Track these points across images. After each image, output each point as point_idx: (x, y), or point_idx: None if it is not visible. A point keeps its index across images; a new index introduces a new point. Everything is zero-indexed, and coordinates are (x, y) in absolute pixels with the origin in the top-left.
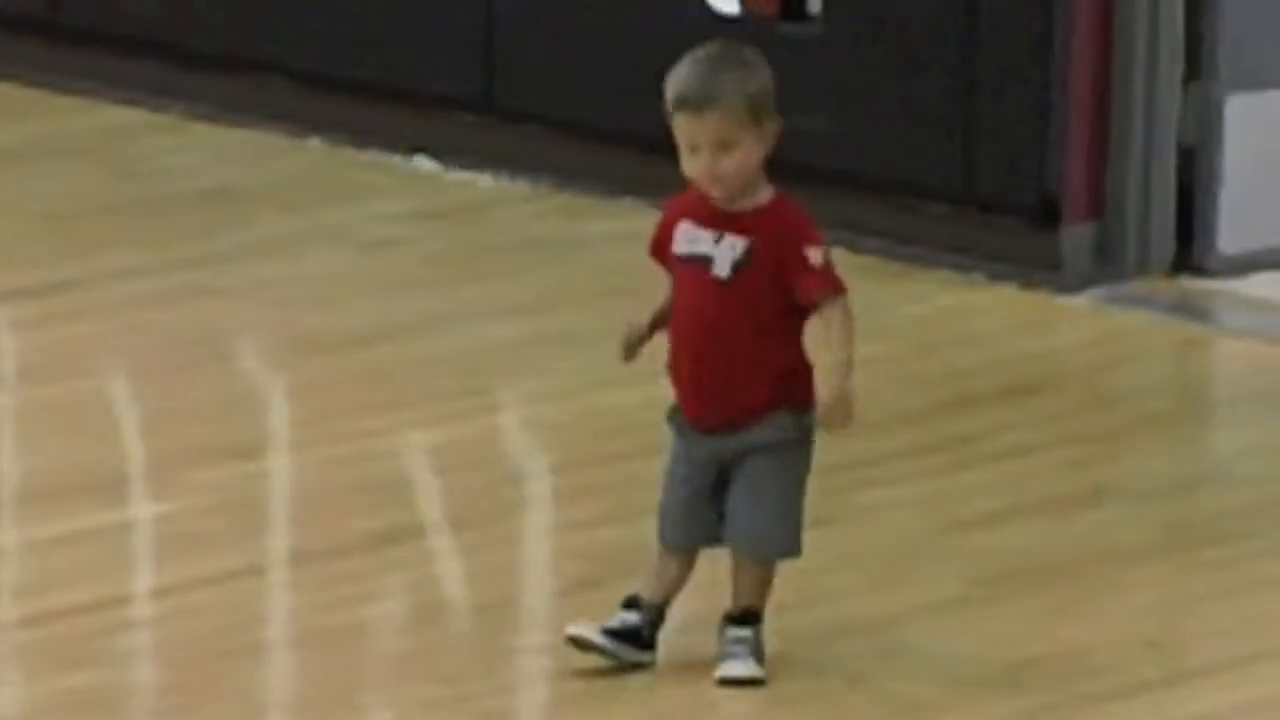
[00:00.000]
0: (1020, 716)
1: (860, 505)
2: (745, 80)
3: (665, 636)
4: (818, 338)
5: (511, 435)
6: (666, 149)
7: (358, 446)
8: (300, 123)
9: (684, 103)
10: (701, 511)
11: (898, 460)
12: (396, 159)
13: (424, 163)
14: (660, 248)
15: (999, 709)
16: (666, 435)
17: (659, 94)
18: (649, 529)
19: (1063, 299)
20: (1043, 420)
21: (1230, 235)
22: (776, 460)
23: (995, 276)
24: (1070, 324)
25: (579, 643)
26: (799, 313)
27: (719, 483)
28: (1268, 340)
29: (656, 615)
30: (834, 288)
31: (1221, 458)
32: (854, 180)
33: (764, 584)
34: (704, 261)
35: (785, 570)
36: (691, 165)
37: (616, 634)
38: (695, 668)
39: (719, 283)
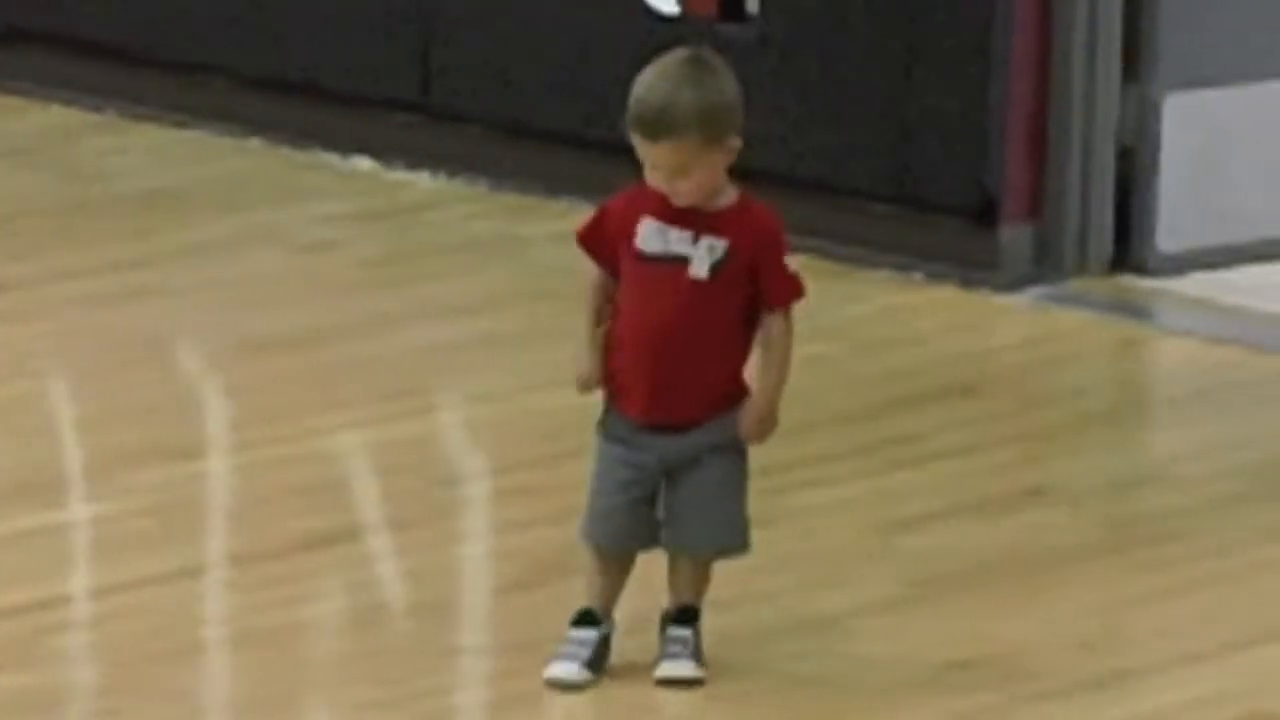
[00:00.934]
0: (956, 717)
1: (798, 506)
2: (705, 104)
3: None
4: (768, 344)
5: (450, 436)
6: (605, 149)
7: (296, 447)
8: (240, 123)
9: (639, 126)
10: (644, 515)
11: (836, 461)
12: (336, 160)
13: (362, 163)
14: (601, 241)
15: (936, 709)
16: None
17: (598, 94)
18: None
19: (1001, 298)
20: (981, 420)
21: (1168, 234)
22: (726, 460)
23: (934, 276)
24: (1009, 324)
25: (562, 685)
26: (755, 314)
27: (655, 491)
28: (1206, 339)
29: (608, 616)
30: (799, 294)
31: (1160, 458)
32: (793, 180)
33: (703, 582)
34: (679, 261)
35: (724, 570)
36: (650, 178)
37: (594, 662)
38: (637, 667)
39: (696, 283)
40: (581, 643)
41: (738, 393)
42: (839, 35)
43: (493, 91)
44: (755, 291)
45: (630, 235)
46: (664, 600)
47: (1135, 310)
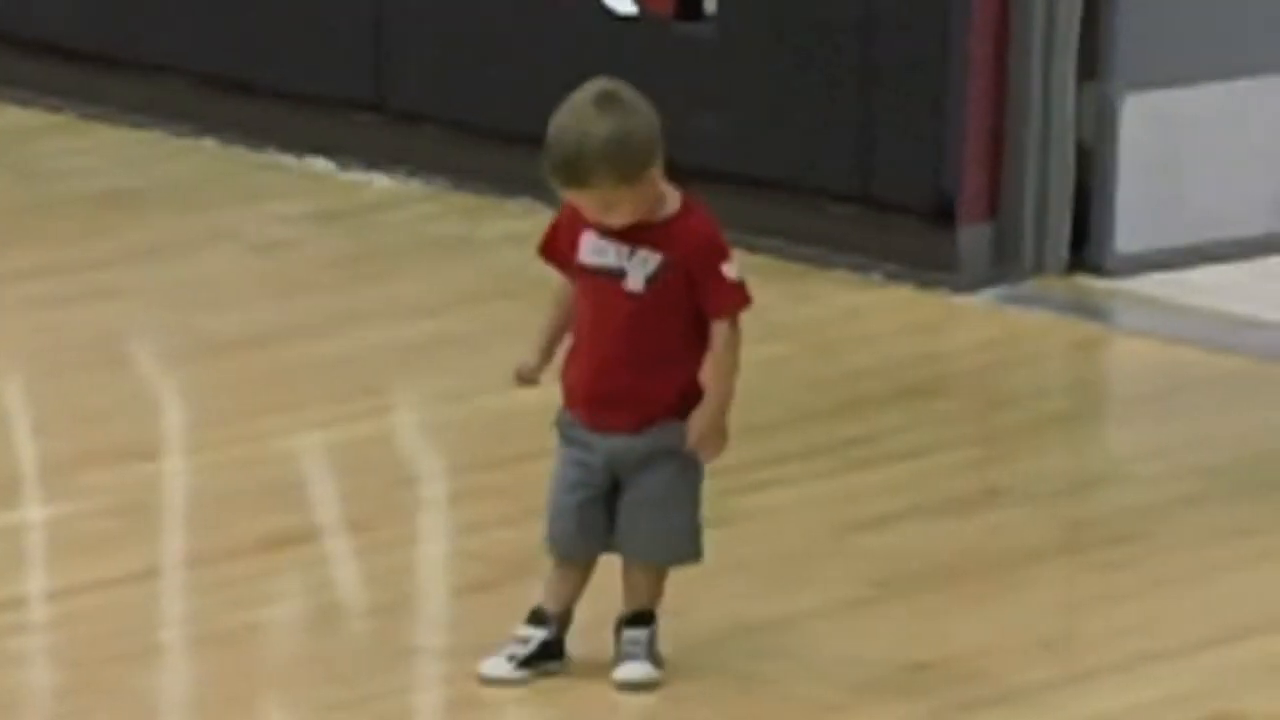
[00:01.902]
0: (916, 718)
1: (756, 507)
2: (614, 148)
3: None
4: (713, 354)
5: (408, 437)
6: None
7: (254, 448)
8: (196, 124)
9: (554, 175)
10: (596, 518)
11: (794, 461)
12: (292, 160)
13: (319, 163)
14: (557, 251)
15: (894, 710)
16: None
17: (556, 94)
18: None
19: (959, 299)
20: (939, 421)
21: (1126, 235)
22: (677, 465)
23: (892, 277)
24: (967, 324)
25: (494, 682)
26: (705, 323)
27: (612, 489)
28: (1164, 339)
29: (563, 623)
30: (741, 303)
31: (1119, 457)
32: (750, 180)
33: (658, 586)
34: (615, 275)
35: (681, 572)
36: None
37: (530, 660)
38: (595, 669)
39: (632, 296)
40: (523, 640)
41: (689, 400)
42: (797, 35)
43: (449, 92)
44: (695, 302)
45: (572, 245)
46: (619, 604)
47: (1093, 311)
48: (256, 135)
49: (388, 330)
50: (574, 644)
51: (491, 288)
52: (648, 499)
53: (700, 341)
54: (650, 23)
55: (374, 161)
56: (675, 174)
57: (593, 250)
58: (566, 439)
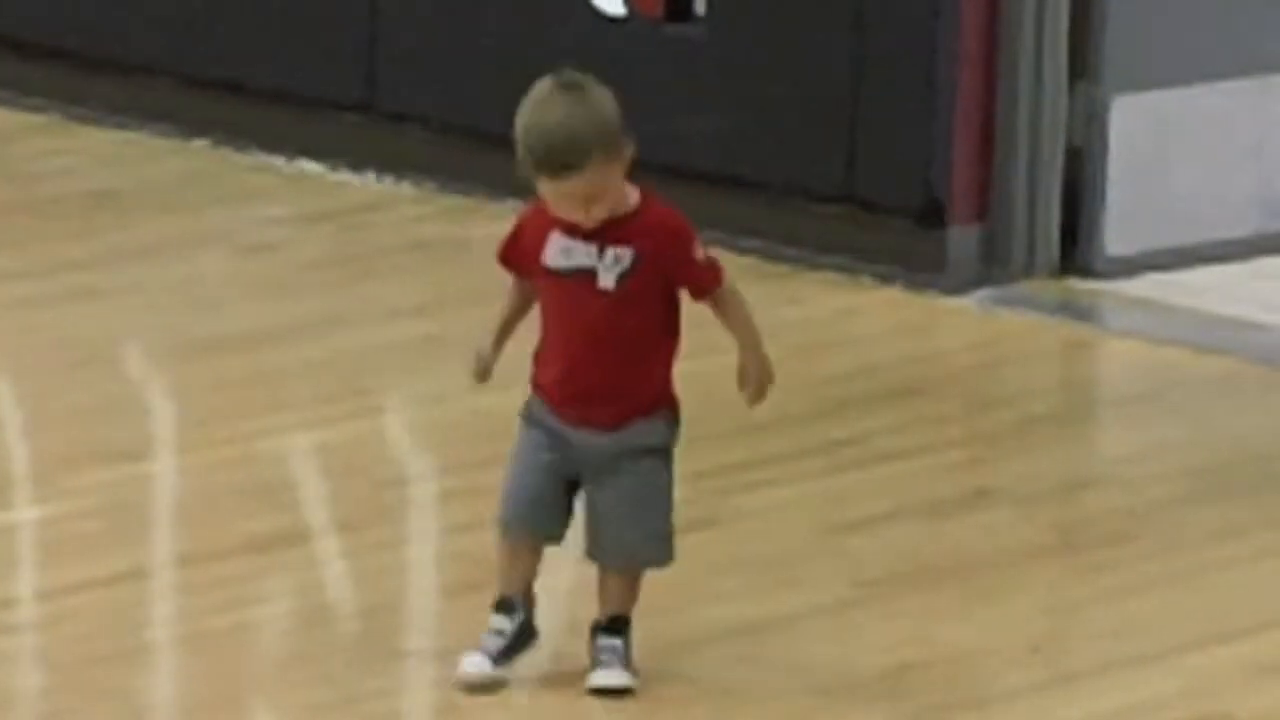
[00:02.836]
0: (903, 718)
1: (743, 508)
2: (598, 126)
3: (542, 641)
4: (724, 317)
5: (396, 438)
6: None
7: (242, 449)
8: (183, 124)
9: (544, 168)
10: (558, 501)
11: (781, 463)
12: (280, 161)
13: (307, 164)
14: (521, 256)
15: (883, 712)
16: None
17: None
18: None
19: (948, 301)
20: (928, 422)
21: (1116, 236)
22: (646, 466)
23: (880, 278)
24: (956, 326)
25: (477, 686)
26: (677, 319)
27: (572, 482)
28: (1154, 341)
29: (530, 603)
30: (720, 275)
31: (1107, 459)
32: (739, 181)
33: (631, 592)
34: (586, 274)
35: (668, 573)
36: (559, 209)
37: (510, 649)
38: (575, 675)
39: (604, 294)
40: (499, 631)
41: (662, 400)
42: (785, 36)
43: (438, 93)
44: (671, 295)
45: (540, 251)
46: (594, 609)
47: (1082, 312)
48: (244, 136)
49: (376, 331)
50: (570, 644)
51: (480, 289)
52: (622, 503)
53: (669, 338)
54: (639, 24)
55: (363, 163)
56: (664, 175)
57: (560, 252)
58: (534, 423)
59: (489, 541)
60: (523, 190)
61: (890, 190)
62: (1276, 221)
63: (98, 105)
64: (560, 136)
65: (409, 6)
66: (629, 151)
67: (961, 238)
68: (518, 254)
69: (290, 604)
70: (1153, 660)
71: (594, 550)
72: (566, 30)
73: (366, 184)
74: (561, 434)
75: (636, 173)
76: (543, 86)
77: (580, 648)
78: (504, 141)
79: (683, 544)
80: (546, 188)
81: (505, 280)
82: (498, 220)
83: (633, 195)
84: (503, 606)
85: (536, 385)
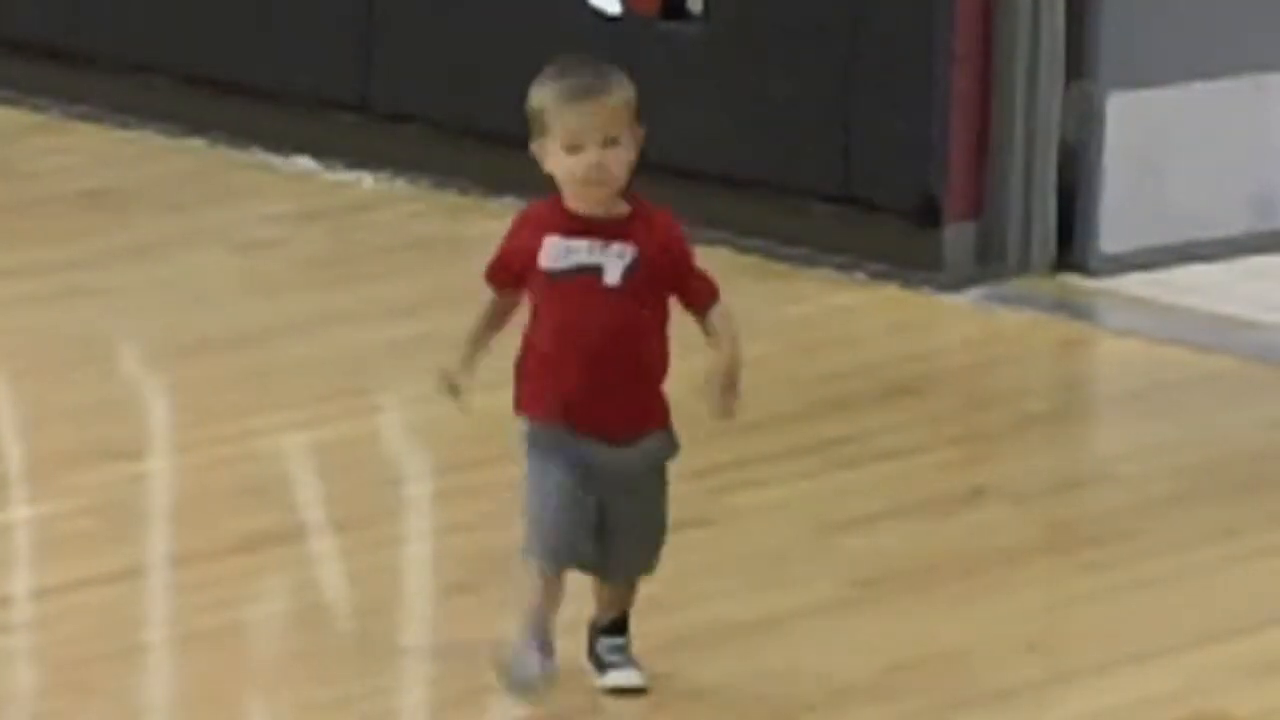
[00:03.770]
0: (897, 717)
1: (739, 506)
2: (624, 81)
3: None
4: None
5: (392, 437)
6: None
7: (238, 448)
8: (180, 123)
9: (575, 93)
10: (591, 525)
11: (778, 461)
12: (277, 159)
13: (304, 163)
14: (515, 266)
15: (879, 711)
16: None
17: None
18: None
19: (944, 298)
20: (923, 421)
21: (1111, 234)
22: (658, 482)
23: (876, 276)
24: (951, 324)
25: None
26: (666, 328)
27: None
28: (1149, 339)
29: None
30: (717, 288)
31: (1103, 457)
32: (735, 180)
33: (635, 590)
34: (592, 271)
35: (665, 572)
36: (572, 163)
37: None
38: (573, 671)
39: (612, 290)
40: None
41: (668, 409)
42: (781, 35)
43: (435, 91)
44: (665, 302)
45: (535, 258)
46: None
47: (1078, 310)
48: (241, 135)
49: (372, 330)
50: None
51: (476, 288)
52: (638, 521)
53: (665, 349)
54: (636, 22)
55: (359, 161)
56: (661, 173)
57: (560, 254)
58: (547, 452)
59: (485, 541)
60: (520, 188)
61: (886, 188)
62: (1271, 220)
63: (95, 104)
64: (589, 65)
65: (405, 5)
66: (640, 136)
67: (957, 236)
68: (511, 264)
69: (286, 603)
70: (1150, 658)
71: (614, 566)
72: (563, 28)
73: (363, 183)
74: (580, 455)
75: (635, 172)
76: (563, 58)
77: (570, 645)
78: (500, 140)
79: (678, 543)
80: (568, 127)
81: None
82: (495, 219)
83: (623, 203)
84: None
85: (533, 405)
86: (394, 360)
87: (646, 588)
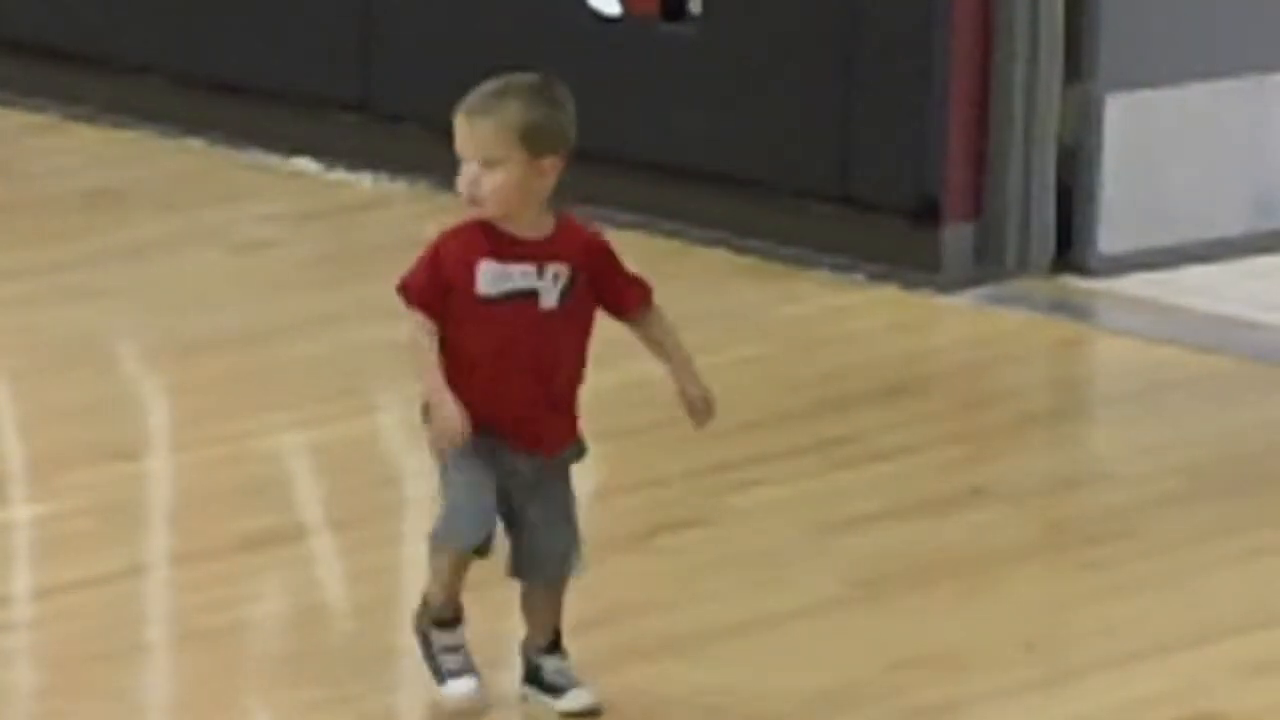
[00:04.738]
0: (899, 717)
1: (738, 506)
2: (527, 109)
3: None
4: (653, 338)
5: (391, 436)
6: None
7: (237, 447)
8: (180, 124)
9: (462, 108)
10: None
11: (776, 461)
12: (276, 160)
13: (303, 163)
14: (444, 293)
15: (878, 710)
16: None
17: None
18: None
19: (943, 299)
20: (922, 420)
21: (1110, 235)
22: (564, 481)
23: (875, 277)
24: (950, 324)
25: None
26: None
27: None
28: (1147, 339)
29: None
30: (649, 288)
31: (1101, 457)
32: (734, 180)
33: (562, 602)
34: (527, 296)
35: (661, 572)
36: (460, 181)
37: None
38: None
39: (547, 314)
40: (458, 647)
41: (577, 419)
42: (779, 35)
43: (434, 92)
44: (594, 309)
45: (466, 282)
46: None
47: (1076, 310)
48: (240, 135)
49: (371, 330)
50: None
51: None
52: (553, 515)
53: (587, 357)
54: (635, 23)
55: (358, 162)
56: (660, 173)
57: (495, 279)
58: (469, 449)
59: None
60: None
61: (885, 189)
62: (1270, 220)
63: (94, 104)
64: (494, 85)
65: (405, 5)
66: (549, 164)
67: (956, 236)
68: (441, 291)
69: (285, 602)
70: (1146, 658)
71: (526, 565)
72: (562, 29)
73: (362, 183)
74: (499, 455)
75: (634, 171)
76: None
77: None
78: None
79: (675, 543)
80: (456, 132)
81: None
82: None
83: (549, 218)
84: (454, 622)
85: (470, 417)
86: (393, 360)
87: (644, 586)
